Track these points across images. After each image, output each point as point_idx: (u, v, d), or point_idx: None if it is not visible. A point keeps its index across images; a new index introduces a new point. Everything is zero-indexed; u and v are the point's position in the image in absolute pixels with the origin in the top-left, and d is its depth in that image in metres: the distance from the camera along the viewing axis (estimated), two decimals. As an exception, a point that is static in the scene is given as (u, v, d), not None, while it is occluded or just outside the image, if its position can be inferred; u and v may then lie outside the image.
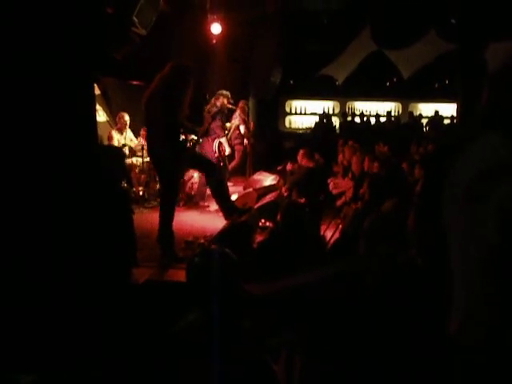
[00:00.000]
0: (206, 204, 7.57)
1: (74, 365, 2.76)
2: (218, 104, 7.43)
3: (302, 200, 5.70)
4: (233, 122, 8.36)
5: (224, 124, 7.66)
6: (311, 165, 6.79)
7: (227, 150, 7.67)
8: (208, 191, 7.84)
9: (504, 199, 1.39)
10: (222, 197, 5.66)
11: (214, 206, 7.55)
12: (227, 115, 8.13)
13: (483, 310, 1.49)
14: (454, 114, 12.61)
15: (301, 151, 7.00)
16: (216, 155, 7.49)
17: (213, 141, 7.41)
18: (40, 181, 3.12)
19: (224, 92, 7.53)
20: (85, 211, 3.34)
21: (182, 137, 5.75)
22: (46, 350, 2.88)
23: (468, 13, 9.69)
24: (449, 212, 1.61)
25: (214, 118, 7.19)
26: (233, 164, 8.80)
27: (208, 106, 7.59)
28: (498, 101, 1.57)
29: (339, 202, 6.46)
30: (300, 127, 14.01)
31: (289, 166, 7.44)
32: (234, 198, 7.48)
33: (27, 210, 3.08)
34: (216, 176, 5.44)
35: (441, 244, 1.64)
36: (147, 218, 6.67)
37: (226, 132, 7.80)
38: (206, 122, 7.44)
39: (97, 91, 7.65)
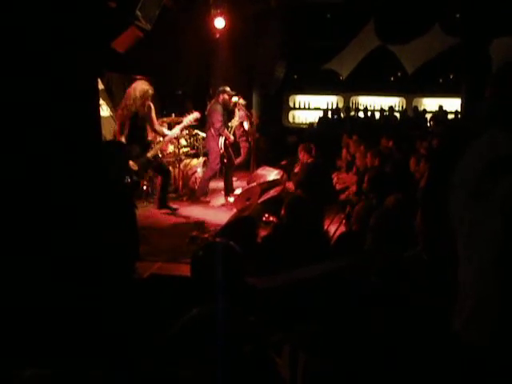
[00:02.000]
0: (207, 199, 7.59)
1: (77, 361, 2.77)
2: (220, 101, 7.45)
3: (305, 195, 5.70)
4: (233, 120, 8.37)
5: (225, 120, 7.67)
6: (310, 159, 6.81)
7: (231, 138, 7.72)
8: (210, 186, 7.89)
9: (508, 194, 1.38)
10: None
11: (216, 201, 7.59)
12: (232, 111, 8.17)
13: (489, 307, 1.47)
14: (459, 109, 12.56)
15: (299, 147, 7.08)
16: (222, 151, 7.51)
17: (218, 136, 7.43)
18: (42, 176, 3.11)
19: (225, 88, 7.55)
20: (88, 206, 3.34)
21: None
22: (48, 347, 2.89)
23: (472, 7, 9.64)
24: (454, 208, 1.60)
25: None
26: (238, 160, 8.86)
27: (212, 103, 7.60)
28: (501, 96, 1.56)
29: (343, 197, 6.46)
30: (304, 122, 13.99)
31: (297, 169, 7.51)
32: (237, 192, 7.50)
33: (29, 206, 3.08)
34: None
35: (447, 240, 1.63)
36: (151, 213, 6.69)
37: (229, 130, 7.81)
38: (210, 117, 7.47)
39: (100, 86, 7.64)
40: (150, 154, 6.21)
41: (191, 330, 2.08)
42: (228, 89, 7.57)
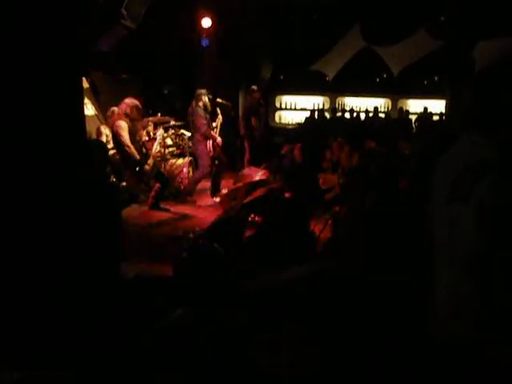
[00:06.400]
0: (193, 199, 7.58)
1: (61, 362, 2.75)
2: (201, 104, 7.45)
3: (291, 195, 5.71)
4: (217, 120, 8.37)
5: (209, 121, 7.65)
6: (300, 160, 6.85)
7: (218, 139, 7.71)
8: (197, 187, 7.88)
9: (484, 197, 1.39)
10: None
11: (202, 201, 7.58)
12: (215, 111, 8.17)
13: (466, 309, 1.48)
14: (443, 111, 12.67)
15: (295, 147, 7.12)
16: (211, 154, 7.54)
17: (205, 140, 7.46)
18: (27, 176, 3.08)
19: (203, 91, 7.55)
20: (72, 206, 3.31)
21: None
22: (32, 348, 2.86)
23: (457, 10, 9.73)
24: (433, 211, 1.62)
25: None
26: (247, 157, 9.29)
27: (193, 106, 7.56)
28: (480, 99, 1.57)
29: (328, 197, 6.48)
30: (290, 122, 14.02)
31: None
32: (224, 192, 7.50)
33: (12, 206, 3.05)
34: None
35: (424, 242, 1.65)
36: (137, 213, 6.66)
37: (214, 130, 7.79)
38: (194, 122, 7.47)
39: (85, 85, 7.59)
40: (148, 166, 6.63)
41: (175, 331, 2.08)
42: (204, 91, 7.58)
